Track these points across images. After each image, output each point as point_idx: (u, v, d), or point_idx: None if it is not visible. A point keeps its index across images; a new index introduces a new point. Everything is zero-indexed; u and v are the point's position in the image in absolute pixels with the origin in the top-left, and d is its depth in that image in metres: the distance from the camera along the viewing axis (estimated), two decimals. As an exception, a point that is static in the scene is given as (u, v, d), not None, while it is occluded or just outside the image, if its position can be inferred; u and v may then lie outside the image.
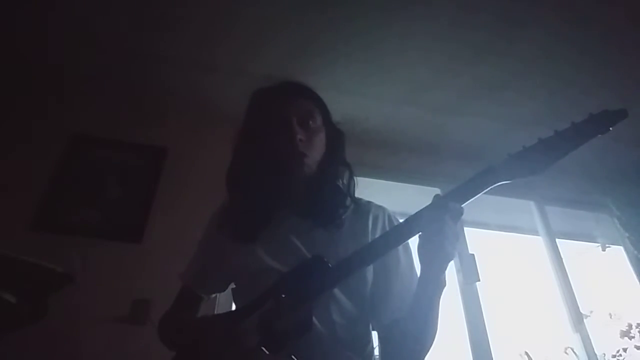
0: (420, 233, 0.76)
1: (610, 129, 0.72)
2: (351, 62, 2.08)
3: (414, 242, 0.89)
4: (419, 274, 0.79)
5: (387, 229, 0.93)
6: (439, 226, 0.72)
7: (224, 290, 1.03)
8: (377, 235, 0.91)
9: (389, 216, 0.97)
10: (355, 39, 1.95)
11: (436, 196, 0.78)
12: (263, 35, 1.93)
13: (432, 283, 0.78)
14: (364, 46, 1.99)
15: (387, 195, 2.31)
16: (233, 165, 0.98)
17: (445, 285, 0.78)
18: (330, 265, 0.76)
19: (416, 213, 0.77)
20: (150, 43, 1.99)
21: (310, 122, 0.95)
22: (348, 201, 0.95)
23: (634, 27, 1.89)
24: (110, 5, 1.81)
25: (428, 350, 0.82)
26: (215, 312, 1.61)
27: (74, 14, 1.84)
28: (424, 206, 0.77)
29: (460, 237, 0.76)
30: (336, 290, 0.82)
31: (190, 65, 2.11)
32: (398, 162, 2.49)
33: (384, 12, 1.82)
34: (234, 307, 0.94)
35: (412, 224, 0.77)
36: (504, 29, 1.90)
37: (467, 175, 0.78)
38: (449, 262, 0.76)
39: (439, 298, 0.79)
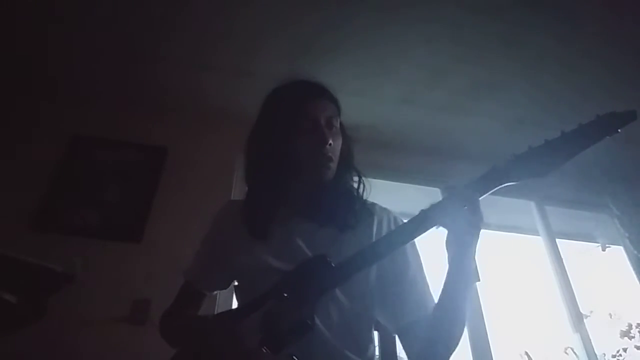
0: (420, 235, 0.76)
1: (619, 130, 0.70)
2: (351, 62, 2.08)
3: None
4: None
5: None
6: (453, 218, 0.73)
7: (227, 288, 1.04)
8: None
9: (395, 218, 0.97)
10: (355, 39, 1.95)
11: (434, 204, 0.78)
12: (263, 35, 1.93)
13: (457, 276, 0.77)
14: (364, 46, 1.99)
15: (387, 195, 2.31)
16: (250, 161, 0.97)
17: (477, 279, 0.78)
18: (333, 265, 0.76)
19: (416, 215, 0.77)
20: (150, 43, 1.99)
21: (334, 125, 0.93)
22: (357, 206, 0.95)
23: (634, 31, 1.89)
24: (110, 5, 1.81)
25: (456, 347, 0.81)
26: (216, 310, 1.62)
27: (74, 14, 1.84)
28: (421, 205, 0.77)
29: (479, 226, 0.75)
30: (336, 291, 0.82)
31: (190, 65, 2.11)
32: (398, 162, 2.49)
33: (384, 13, 1.82)
34: (234, 305, 0.95)
35: (415, 224, 0.76)
36: (503, 31, 1.90)
37: (467, 175, 0.77)
38: (469, 252, 0.76)
39: (467, 292, 0.78)
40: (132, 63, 2.09)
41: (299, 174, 0.92)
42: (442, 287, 0.80)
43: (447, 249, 0.79)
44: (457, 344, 0.82)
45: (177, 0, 1.79)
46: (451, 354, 0.81)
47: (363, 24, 1.88)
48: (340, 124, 0.98)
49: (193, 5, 1.81)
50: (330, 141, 0.89)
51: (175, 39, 1.97)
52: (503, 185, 0.75)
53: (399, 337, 0.90)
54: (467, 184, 0.77)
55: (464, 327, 0.81)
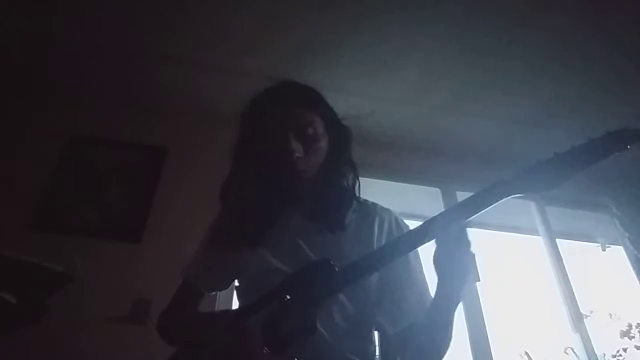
0: (433, 240, 0.75)
1: (628, 147, 0.70)
2: (352, 63, 2.08)
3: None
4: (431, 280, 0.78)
5: (394, 232, 0.93)
6: (455, 241, 0.72)
7: (226, 288, 1.03)
8: (383, 239, 0.90)
9: (396, 219, 0.96)
10: (356, 39, 1.95)
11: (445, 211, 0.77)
12: (263, 35, 1.93)
13: (446, 298, 0.76)
14: (365, 47, 1.99)
15: (387, 196, 2.31)
16: (232, 174, 0.97)
17: (459, 301, 0.76)
18: (337, 269, 0.75)
19: (428, 220, 0.75)
20: (150, 43, 1.99)
21: (310, 132, 0.90)
22: (356, 205, 0.94)
23: (634, 32, 1.89)
24: (110, 5, 1.81)
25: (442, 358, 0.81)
26: (216, 310, 1.61)
27: (74, 15, 1.84)
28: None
29: (469, 263, 0.74)
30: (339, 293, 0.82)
31: (190, 65, 2.11)
32: (398, 162, 2.49)
33: (384, 13, 1.82)
34: (235, 305, 0.94)
35: (421, 232, 0.75)
36: (504, 32, 1.90)
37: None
38: (463, 282, 0.74)
39: (454, 312, 0.78)
40: (132, 63, 2.09)
41: (280, 185, 0.92)
42: (430, 304, 0.79)
43: (435, 270, 0.76)
44: (443, 355, 0.81)
45: (177, 0, 1.80)
46: None
47: (363, 23, 1.87)
48: (329, 122, 0.96)
49: (193, 6, 1.81)
50: (297, 154, 0.87)
51: (175, 39, 1.97)
52: (508, 197, 0.75)
53: (394, 340, 0.89)
54: (455, 206, 0.76)
55: (447, 346, 0.80)
